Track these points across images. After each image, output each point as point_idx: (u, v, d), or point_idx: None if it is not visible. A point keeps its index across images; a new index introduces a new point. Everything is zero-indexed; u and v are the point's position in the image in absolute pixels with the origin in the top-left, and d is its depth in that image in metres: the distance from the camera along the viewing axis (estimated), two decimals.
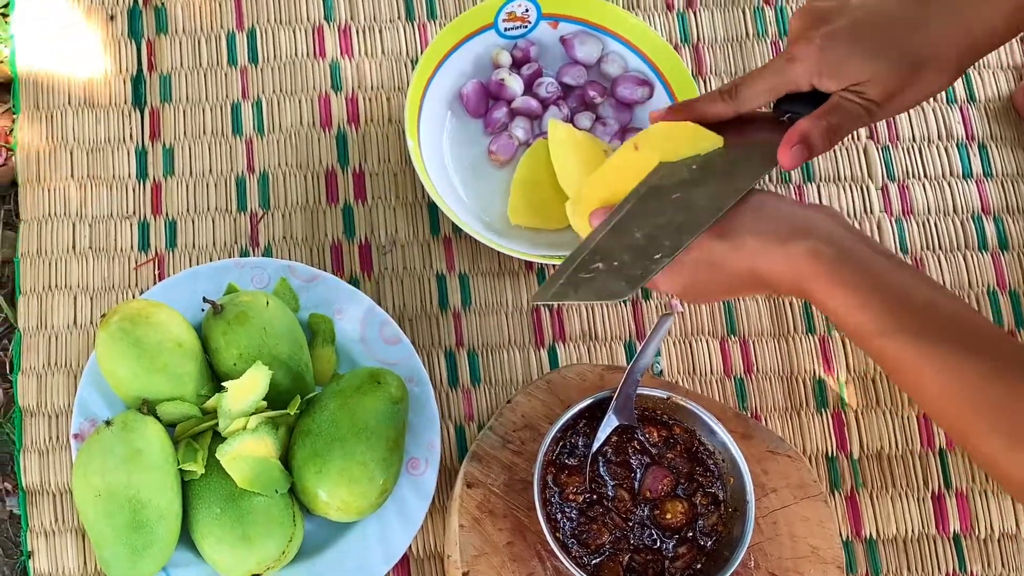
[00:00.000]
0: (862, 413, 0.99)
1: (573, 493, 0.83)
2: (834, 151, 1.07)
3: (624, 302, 1.01)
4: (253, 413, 0.86)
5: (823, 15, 0.76)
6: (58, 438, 0.95)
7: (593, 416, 0.85)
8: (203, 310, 0.92)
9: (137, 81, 1.06)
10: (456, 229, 1.02)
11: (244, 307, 0.89)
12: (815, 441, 0.98)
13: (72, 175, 1.03)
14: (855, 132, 1.07)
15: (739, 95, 0.79)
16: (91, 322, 0.98)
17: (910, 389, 0.70)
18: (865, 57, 0.74)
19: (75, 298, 0.99)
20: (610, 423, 0.84)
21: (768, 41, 1.10)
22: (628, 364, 0.90)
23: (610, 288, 0.74)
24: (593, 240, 0.78)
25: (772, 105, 0.80)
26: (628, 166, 0.81)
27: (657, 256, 0.73)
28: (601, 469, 0.84)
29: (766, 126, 0.80)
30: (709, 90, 0.98)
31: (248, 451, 0.84)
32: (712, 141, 0.80)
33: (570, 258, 0.79)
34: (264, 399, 0.86)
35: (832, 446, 0.98)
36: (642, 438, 0.85)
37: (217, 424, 0.87)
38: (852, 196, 1.06)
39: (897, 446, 0.98)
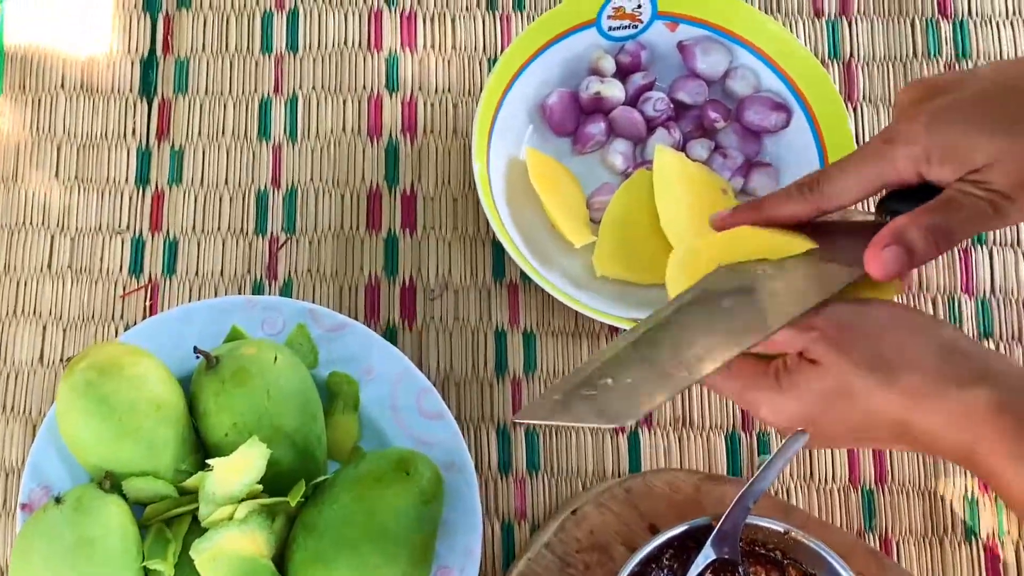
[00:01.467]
0: None
1: None
2: None
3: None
4: (244, 499, 0.71)
5: (940, 87, 0.63)
6: (4, 502, 0.82)
7: (684, 546, 0.69)
8: (197, 358, 0.76)
9: (148, 65, 0.91)
10: (525, 276, 0.85)
11: (245, 362, 0.74)
12: None
13: (57, 175, 0.88)
14: None
15: (823, 189, 0.65)
16: (61, 360, 0.84)
17: None
18: (987, 133, 0.59)
19: (44, 328, 0.85)
20: (706, 557, 0.68)
21: (941, 63, 0.93)
22: (729, 470, 0.75)
23: (613, 408, 0.60)
24: (608, 353, 0.65)
25: (876, 208, 0.66)
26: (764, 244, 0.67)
27: (674, 377, 0.61)
28: None
29: (865, 232, 0.63)
30: (863, 120, 0.90)
31: (232, 548, 0.69)
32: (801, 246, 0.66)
33: (573, 373, 0.66)
34: (260, 481, 0.71)
35: None
36: None
37: (197, 509, 0.72)
38: None
39: None
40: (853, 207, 0.66)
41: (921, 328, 0.59)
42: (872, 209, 0.68)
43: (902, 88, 0.65)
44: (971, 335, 0.84)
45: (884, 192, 0.65)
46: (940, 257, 0.86)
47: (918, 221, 0.60)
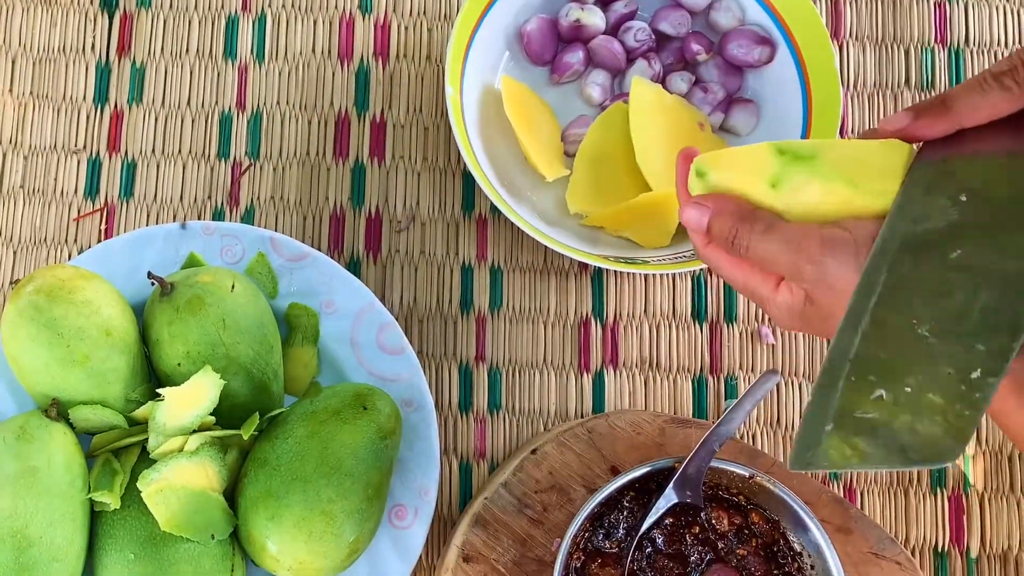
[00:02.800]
0: (990, 499, 0.80)
1: None
2: None
3: (700, 323, 0.80)
4: (196, 431, 0.69)
5: None
6: None
7: (645, 488, 0.67)
8: (153, 285, 0.72)
9: None
10: (495, 210, 0.82)
11: (200, 290, 0.70)
12: (923, 529, 0.80)
13: (10, 90, 0.84)
14: None
15: None
16: (10, 284, 0.81)
17: None
18: None
19: None
20: (668, 500, 0.67)
21: (932, 2, 0.89)
22: (696, 413, 0.73)
23: (923, 440, 0.47)
24: (846, 346, 0.51)
25: None
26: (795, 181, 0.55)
27: (976, 375, 0.47)
28: (646, 560, 0.65)
29: None
30: (848, 58, 0.87)
31: (182, 481, 0.67)
32: (900, 154, 0.54)
33: (819, 385, 0.50)
34: (213, 413, 0.69)
35: (945, 538, 0.80)
36: (707, 524, 0.66)
37: (146, 440, 0.69)
38: None
39: None
40: None
41: None
42: None
43: None
44: (944, 87, 0.81)
45: None
46: (915, 7, 0.83)
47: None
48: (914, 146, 0.54)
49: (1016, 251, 0.49)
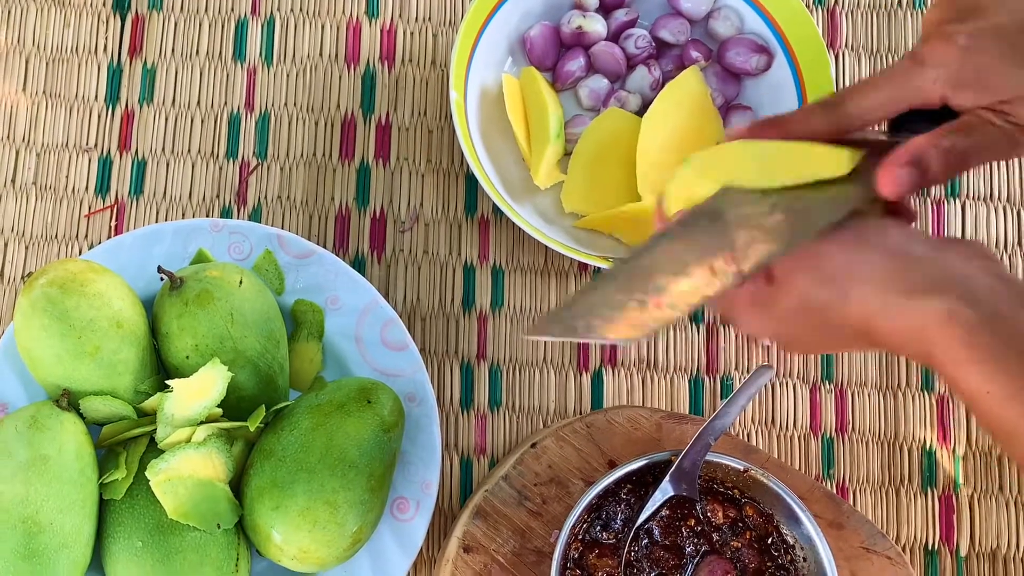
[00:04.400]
0: (979, 499, 0.81)
1: None
2: (989, 164, 0.87)
3: (697, 325, 0.82)
4: (203, 422, 0.70)
5: (971, 7, 0.59)
6: None
7: (642, 481, 0.68)
8: (161, 279, 0.74)
9: None
10: (496, 211, 0.84)
11: (209, 284, 0.72)
12: (914, 527, 0.81)
13: (24, 88, 0.86)
14: None
15: (845, 108, 0.61)
16: (22, 278, 0.82)
17: None
18: (1021, 64, 0.57)
19: (6, 244, 0.83)
20: (664, 493, 0.68)
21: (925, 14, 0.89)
22: (692, 411, 0.73)
23: (627, 323, 0.57)
24: (616, 270, 0.60)
25: (888, 128, 0.63)
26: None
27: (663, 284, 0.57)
28: (643, 551, 0.66)
29: (875, 152, 0.60)
30: (843, 68, 0.89)
31: (189, 471, 0.68)
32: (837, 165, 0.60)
33: (582, 290, 0.60)
34: (220, 405, 0.70)
35: (935, 536, 0.81)
36: (702, 516, 0.67)
37: (155, 431, 0.70)
38: (1006, 221, 0.86)
39: (1018, 546, 0.81)
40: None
41: (866, 238, 0.56)
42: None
43: (930, 6, 0.62)
44: None
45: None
46: (909, 19, 0.85)
47: (938, 142, 0.57)
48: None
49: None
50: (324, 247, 0.80)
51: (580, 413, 0.80)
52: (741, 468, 0.67)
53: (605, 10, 0.85)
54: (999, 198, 0.86)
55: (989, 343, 0.52)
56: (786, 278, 0.56)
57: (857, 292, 0.55)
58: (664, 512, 0.67)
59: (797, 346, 0.61)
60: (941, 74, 0.58)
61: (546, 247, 0.82)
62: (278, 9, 0.87)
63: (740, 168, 0.60)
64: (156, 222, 0.82)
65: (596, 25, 0.83)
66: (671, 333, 0.82)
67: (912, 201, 0.85)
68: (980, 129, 0.57)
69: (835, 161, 0.60)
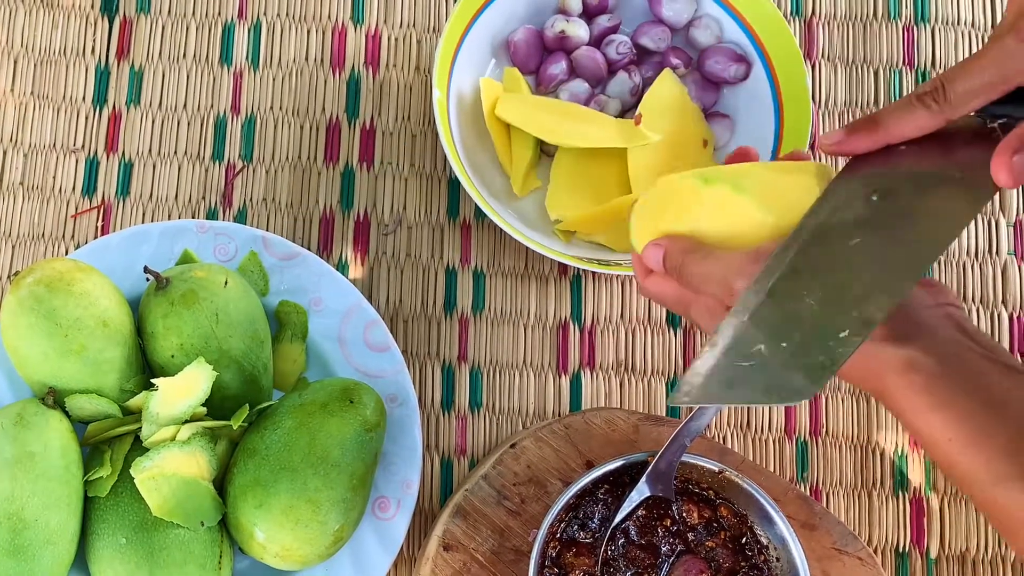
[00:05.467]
0: (949, 503, 0.82)
1: None
2: None
3: (675, 329, 0.83)
4: (187, 421, 0.70)
5: None
6: None
7: (619, 481, 0.69)
8: (147, 279, 0.75)
9: None
10: (478, 215, 0.85)
11: (195, 284, 0.72)
12: (885, 530, 0.82)
13: (12, 89, 0.86)
14: None
15: (949, 95, 0.57)
16: (8, 276, 0.82)
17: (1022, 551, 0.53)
18: None
19: None
20: (640, 493, 0.69)
21: (900, 26, 0.92)
22: (669, 414, 0.74)
23: (785, 383, 0.53)
24: (744, 306, 0.57)
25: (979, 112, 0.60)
26: (719, 207, 0.61)
27: (844, 334, 0.53)
28: (619, 550, 0.67)
29: (967, 138, 0.58)
30: (820, 78, 0.89)
31: (173, 469, 0.69)
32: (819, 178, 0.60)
33: (714, 340, 0.57)
34: (204, 404, 0.71)
35: (906, 539, 0.82)
36: (678, 517, 0.68)
37: (140, 429, 0.71)
38: (976, 230, 0.88)
39: (987, 549, 0.82)
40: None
41: None
42: None
43: None
44: None
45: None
46: (885, 31, 0.87)
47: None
48: (829, 169, 0.60)
49: (903, 241, 0.55)
50: (308, 249, 0.81)
51: (559, 415, 0.81)
52: (716, 469, 0.68)
53: (588, 15, 0.86)
54: None
55: (950, 392, 0.53)
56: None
57: None
58: (640, 512, 0.68)
59: None
60: None
61: (527, 251, 0.83)
62: (265, 14, 0.88)
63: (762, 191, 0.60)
64: (142, 223, 0.83)
65: (579, 30, 0.84)
66: (648, 336, 0.83)
67: None
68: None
69: (809, 187, 0.59)
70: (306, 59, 0.88)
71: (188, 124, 0.86)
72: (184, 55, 0.87)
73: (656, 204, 0.63)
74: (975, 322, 0.84)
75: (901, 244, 0.55)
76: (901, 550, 0.81)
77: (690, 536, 0.69)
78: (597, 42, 0.86)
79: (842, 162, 0.64)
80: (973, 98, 0.57)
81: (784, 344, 0.54)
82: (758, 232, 0.59)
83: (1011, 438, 0.52)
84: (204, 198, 0.84)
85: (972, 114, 0.58)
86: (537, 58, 0.86)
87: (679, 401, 0.55)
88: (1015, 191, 0.88)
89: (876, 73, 0.90)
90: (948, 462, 0.53)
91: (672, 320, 0.84)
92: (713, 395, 0.54)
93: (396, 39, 0.89)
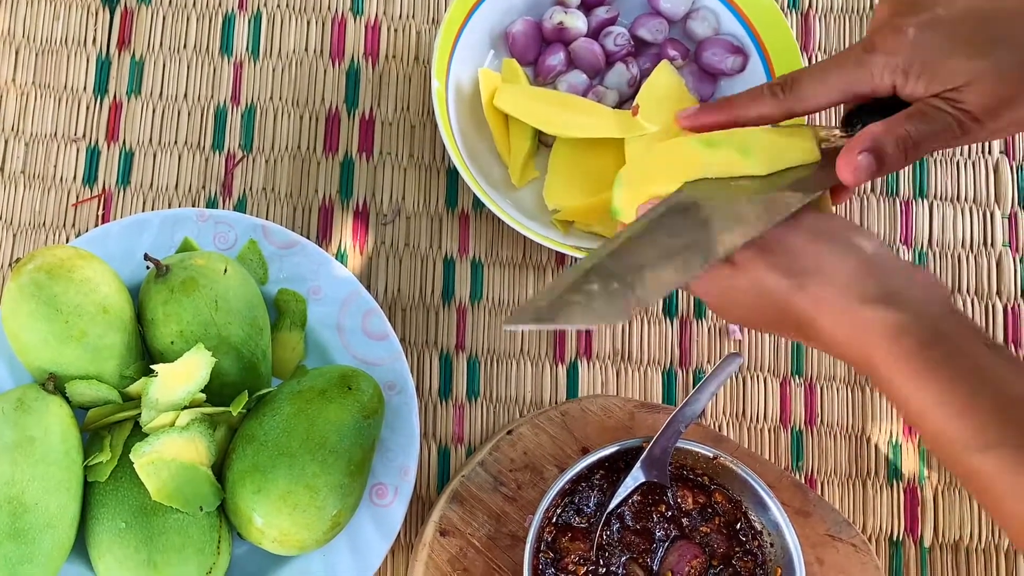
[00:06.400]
0: (943, 492, 0.83)
1: (574, 563, 0.68)
2: (957, 165, 0.89)
3: (671, 318, 0.83)
4: (187, 407, 0.71)
5: (919, 2, 0.62)
6: None
7: (614, 467, 0.69)
8: (147, 267, 0.75)
9: None
10: (478, 204, 0.85)
11: (194, 272, 0.73)
12: (879, 519, 0.82)
13: (14, 79, 0.86)
14: (986, 145, 0.89)
15: (796, 91, 0.64)
16: (10, 264, 0.82)
17: (1005, 518, 0.54)
18: (968, 53, 0.59)
19: None
20: (635, 479, 0.69)
21: None
22: (665, 402, 0.75)
23: (599, 312, 0.58)
24: (592, 260, 0.63)
25: (841, 124, 0.67)
26: (725, 170, 0.65)
27: (663, 279, 0.59)
28: (614, 535, 0.68)
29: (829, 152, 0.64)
30: None
31: (172, 454, 0.69)
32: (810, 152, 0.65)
33: (556, 282, 0.63)
34: (203, 391, 0.71)
35: (900, 528, 0.82)
36: (672, 502, 0.69)
37: (139, 415, 0.71)
38: (971, 221, 0.88)
39: (980, 538, 0.82)
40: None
41: (844, 240, 0.59)
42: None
43: (879, 1, 0.64)
44: None
45: (850, 106, 0.65)
46: (882, 209, 0.87)
47: (894, 129, 0.60)
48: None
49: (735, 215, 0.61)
50: (308, 239, 0.81)
51: (556, 404, 0.81)
52: (711, 455, 0.68)
53: (586, 7, 0.86)
54: (966, 199, 0.88)
55: (943, 358, 0.54)
56: (745, 263, 0.59)
57: (815, 287, 0.57)
58: (635, 498, 0.69)
59: (735, 318, 0.63)
60: (891, 62, 0.60)
61: (525, 240, 0.84)
62: (265, 4, 0.88)
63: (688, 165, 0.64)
64: (143, 212, 0.83)
65: (577, 22, 0.85)
66: (645, 326, 0.84)
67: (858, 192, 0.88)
68: (933, 116, 0.60)
69: (807, 149, 0.63)
70: (306, 50, 0.88)
71: (188, 114, 0.86)
72: (185, 45, 0.87)
73: (647, 169, 0.66)
74: (969, 313, 0.85)
75: (704, 234, 0.61)
76: (895, 538, 0.82)
77: (685, 521, 0.69)
78: (595, 34, 0.86)
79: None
80: (816, 97, 0.63)
81: (614, 285, 0.59)
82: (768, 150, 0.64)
83: (1001, 406, 0.53)
84: (204, 187, 0.84)
85: (840, 133, 0.66)
86: (535, 49, 0.86)
87: (510, 323, 0.60)
88: (1009, 182, 0.88)
89: None
90: (936, 428, 0.54)
91: (669, 310, 0.84)
92: (541, 319, 0.58)
93: (395, 30, 0.89)
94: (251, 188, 0.85)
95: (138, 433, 0.71)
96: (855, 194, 0.87)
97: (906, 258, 0.86)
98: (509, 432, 0.73)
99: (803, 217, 0.60)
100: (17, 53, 0.87)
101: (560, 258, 0.84)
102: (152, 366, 0.70)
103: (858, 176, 0.60)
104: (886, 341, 0.55)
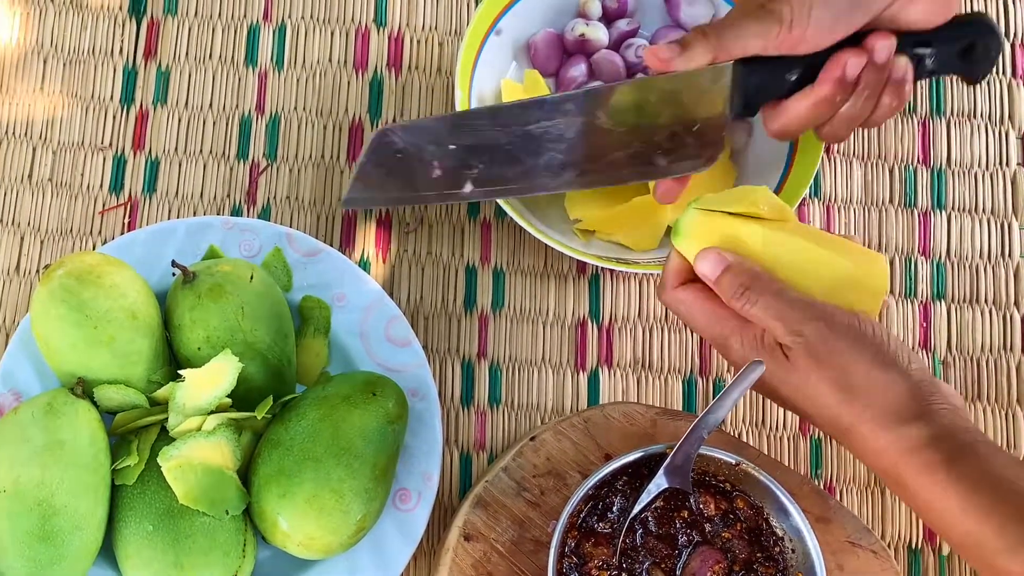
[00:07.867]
0: None
1: (597, 568, 0.68)
2: (975, 176, 0.89)
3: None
4: (213, 412, 0.72)
5: None
6: None
7: (637, 473, 0.70)
8: (174, 274, 0.76)
9: None
10: (500, 213, 0.86)
11: (221, 278, 0.74)
12: (898, 527, 0.83)
13: (42, 88, 0.87)
14: (1004, 156, 0.89)
15: (721, 36, 0.71)
16: (38, 271, 0.83)
17: None
18: None
19: (22, 238, 0.84)
20: (658, 485, 0.69)
21: None
22: (685, 411, 0.75)
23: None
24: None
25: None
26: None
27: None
28: (637, 541, 0.68)
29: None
30: None
31: (199, 458, 0.70)
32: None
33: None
34: (229, 396, 0.72)
35: (918, 536, 0.82)
36: (695, 508, 0.69)
37: (166, 420, 0.72)
38: (989, 232, 0.89)
39: None
40: None
41: (895, 365, 0.63)
42: None
43: None
44: (925, 296, 0.86)
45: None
46: (900, 220, 0.87)
47: (700, 27, 0.71)
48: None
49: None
50: (331, 246, 0.81)
51: (577, 411, 0.82)
52: (733, 462, 0.69)
53: (608, 19, 0.87)
54: (984, 210, 0.88)
55: (967, 467, 0.59)
56: (803, 362, 0.63)
57: (863, 404, 0.62)
58: (658, 504, 0.69)
59: (772, 396, 0.68)
60: None
61: (546, 249, 0.85)
62: (289, 16, 0.90)
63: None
64: (168, 220, 0.84)
65: (598, 33, 0.85)
66: (665, 335, 0.84)
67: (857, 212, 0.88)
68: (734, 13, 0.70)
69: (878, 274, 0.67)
70: (329, 60, 0.89)
71: (213, 123, 0.87)
72: (210, 56, 0.88)
73: (729, 206, 0.67)
74: (987, 324, 0.85)
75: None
76: (914, 547, 0.82)
77: (707, 527, 0.70)
78: (616, 45, 0.87)
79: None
80: (741, 42, 0.70)
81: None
82: (833, 280, 0.66)
83: (1020, 508, 0.58)
84: (229, 196, 0.85)
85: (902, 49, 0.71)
86: (557, 61, 0.87)
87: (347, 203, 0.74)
88: None
89: None
90: (962, 531, 0.59)
91: None
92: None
93: (418, 41, 0.90)
94: (275, 196, 0.85)
95: (165, 437, 0.72)
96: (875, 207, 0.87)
97: (924, 270, 0.87)
98: (532, 438, 0.73)
99: (858, 327, 0.64)
100: (45, 63, 0.88)
101: (582, 267, 0.85)
102: (179, 371, 0.71)
103: (657, 62, 0.70)
104: (909, 457, 0.61)
